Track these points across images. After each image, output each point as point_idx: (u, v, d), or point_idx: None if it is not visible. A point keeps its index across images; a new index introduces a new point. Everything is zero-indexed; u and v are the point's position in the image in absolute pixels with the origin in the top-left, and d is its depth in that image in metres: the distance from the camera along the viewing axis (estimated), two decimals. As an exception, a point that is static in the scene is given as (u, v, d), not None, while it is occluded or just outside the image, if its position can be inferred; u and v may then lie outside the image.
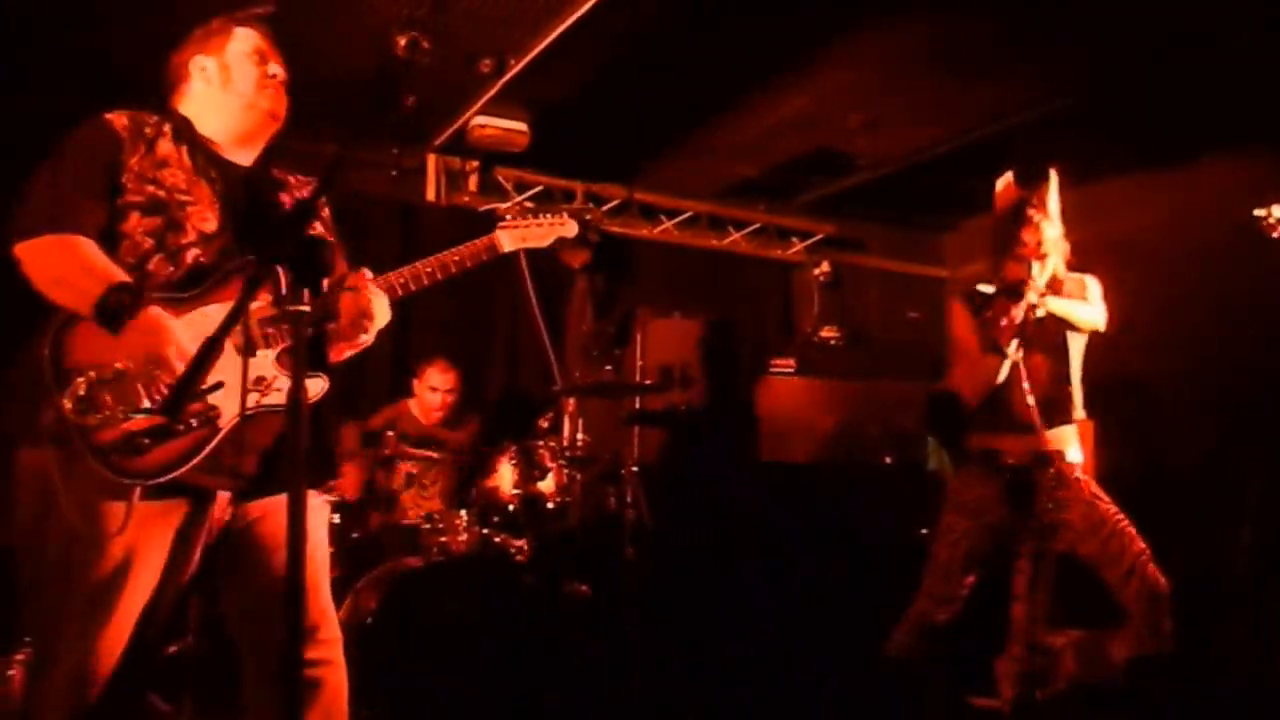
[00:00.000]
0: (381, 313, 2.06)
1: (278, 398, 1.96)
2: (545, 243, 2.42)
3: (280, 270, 1.97)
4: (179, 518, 1.94)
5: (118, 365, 1.83)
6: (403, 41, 1.67)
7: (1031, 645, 3.19)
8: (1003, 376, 3.00)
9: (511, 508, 3.76)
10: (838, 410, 4.84)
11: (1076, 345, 3.18)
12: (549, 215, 2.42)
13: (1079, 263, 3.18)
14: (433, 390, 4.50)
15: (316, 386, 2.02)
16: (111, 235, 1.92)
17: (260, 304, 1.97)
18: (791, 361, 4.85)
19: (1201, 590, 3.61)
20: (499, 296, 5.23)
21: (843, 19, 3.76)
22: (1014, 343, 2.96)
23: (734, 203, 5.99)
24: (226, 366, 1.84)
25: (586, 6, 3.58)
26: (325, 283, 2.15)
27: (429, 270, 2.15)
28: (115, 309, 1.81)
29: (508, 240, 2.33)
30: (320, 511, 2.18)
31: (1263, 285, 3.39)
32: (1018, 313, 2.92)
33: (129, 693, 1.94)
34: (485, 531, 3.67)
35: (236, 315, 1.62)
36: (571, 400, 4.16)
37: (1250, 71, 3.99)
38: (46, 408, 1.81)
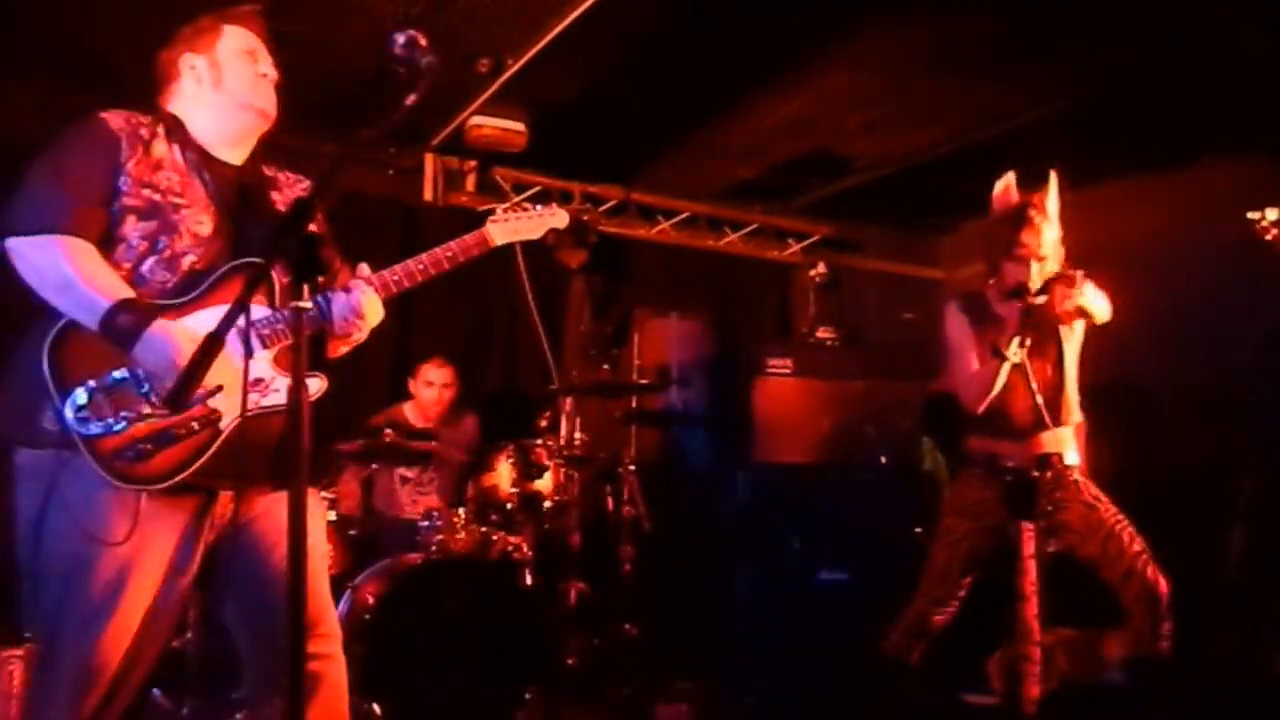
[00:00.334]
0: (374, 311, 2.07)
1: (277, 398, 1.98)
2: (537, 234, 2.38)
3: (274, 271, 1.99)
4: (183, 518, 1.95)
5: (117, 373, 1.84)
6: (400, 40, 1.67)
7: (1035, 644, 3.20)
8: (1002, 381, 3.01)
9: (509, 506, 3.77)
10: (834, 411, 4.85)
11: (1072, 349, 3.19)
12: (539, 206, 2.39)
13: (1076, 266, 3.19)
14: (429, 385, 4.50)
15: (315, 385, 2.03)
16: (108, 239, 1.93)
17: (256, 305, 1.97)
18: (788, 362, 4.86)
19: (1197, 591, 3.63)
20: (497, 297, 5.24)
21: (842, 20, 3.76)
22: (1015, 345, 2.97)
23: (731, 204, 6.00)
24: (225, 369, 1.84)
25: (584, 6, 3.58)
26: (320, 280, 2.17)
27: (421, 267, 2.14)
28: (125, 332, 1.81)
29: (498, 234, 2.31)
30: (318, 508, 2.19)
31: (1257, 288, 3.41)
32: (1020, 314, 2.93)
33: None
34: (484, 529, 3.69)
35: (238, 312, 1.63)
36: (569, 399, 4.17)
37: (1247, 76, 4.00)
38: (46, 412, 1.82)
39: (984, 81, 4.27)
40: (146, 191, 1.95)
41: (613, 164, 5.44)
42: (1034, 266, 3.01)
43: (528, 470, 3.80)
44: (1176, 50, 3.91)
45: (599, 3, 3.55)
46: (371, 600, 3.26)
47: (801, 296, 6.07)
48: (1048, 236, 3.05)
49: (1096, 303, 3.10)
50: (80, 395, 1.81)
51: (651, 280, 5.83)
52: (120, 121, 1.99)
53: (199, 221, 1.99)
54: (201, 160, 2.05)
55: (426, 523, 3.67)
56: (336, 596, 2.93)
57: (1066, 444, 3.15)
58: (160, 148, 2.00)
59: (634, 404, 5.01)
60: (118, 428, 1.82)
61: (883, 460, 4.70)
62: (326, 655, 2.05)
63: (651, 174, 5.56)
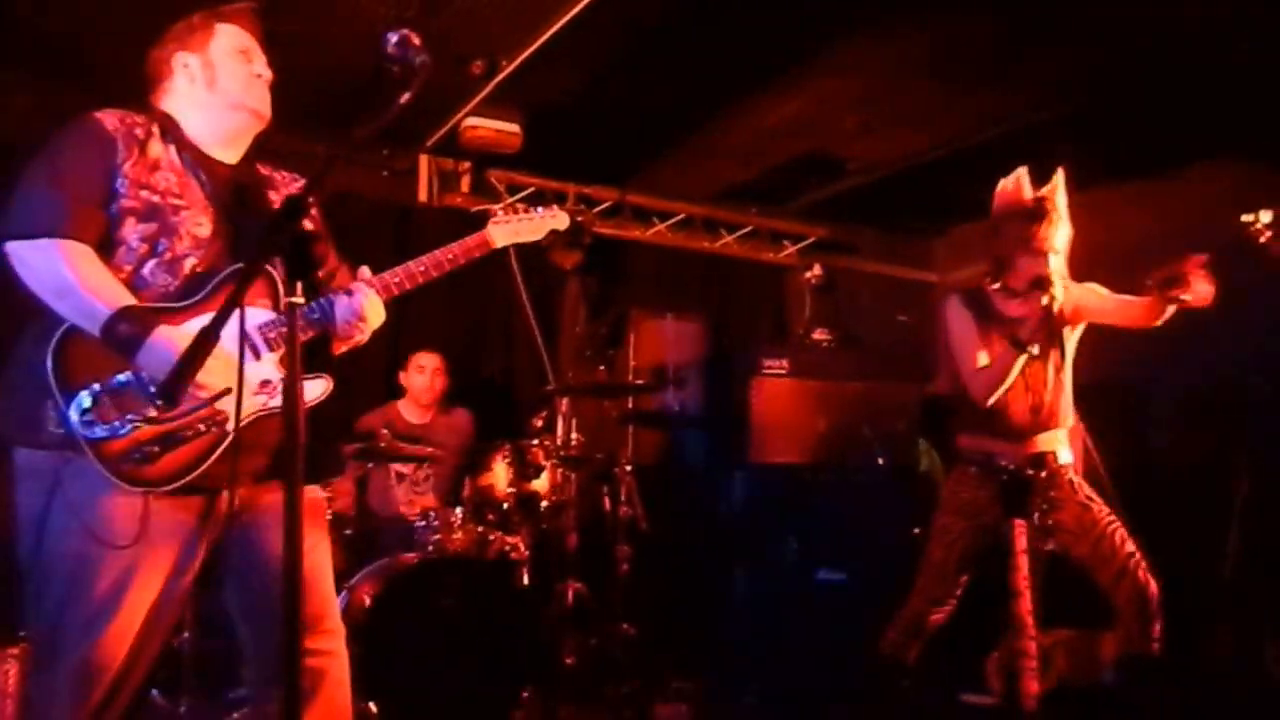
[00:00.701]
0: (376, 313, 2.07)
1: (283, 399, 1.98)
2: (537, 236, 2.39)
3: (278, 275, 1.99)
4: (188, 518, 1.94)
5: (121, 376, 1.84)
6: (393, 39, 1.66)
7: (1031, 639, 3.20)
8: (1016, 372, 3.00)
9: (506, 506, 3.77)
10: (830, 412, 4.85)
11: (1070, 350, 3.19)
12: (539, 208, 2.39)
13: (1071, 269, 3.19)
14: (420, 370, 4.49)
15: (320, 387, 2.04)
16: (107, 242, 1.91)
17: (261, 309, 1.97)
18: (784, 363, 4.87)
19: (1194, 591, 3.63)
20: (493, 297, 5.24)
21: (837, 24, 3.77)
22: (1033, 338, 2.96)
23: (727, 206, 6.01)
24: (233, 372, 1.82)
25: (578, 8, 3.58)
26: (318, 277, 2.17)
27: (422, 269, 2.14)
28: (127, 339, 1.81)
29: (499, 235, 2.32)
30: (320, 505, 2.18)
31: (1252, 290, 3.41)
32: (1043, 307, 2.91)
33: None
34: (480, 529, 3.68)
35: (231, 307, 1.63)
36: (565, 400, 4.17)
37: (1239, 81, 4.02)
38: (49, 413, 1.81)
39: (979, 86, 4.28)
40: (144, 193, 1.94)
41: (608, 166, 5.44)
42: (1052, 260, 3.01)
43: (524, 470, 3.79)
44: (1170, 56, 3.93)
45: (593, 4, 3.55)
46: (368, 600, 3.25)
47: (797, 298, 6.08)
48: (1062, 231, 3.05)
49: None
50: (85, 398, 1.80)
51: (647, 281, 5.83)
52: (115, 121, 1.97)
53: (198, 223, 1.98)
54: (197, 160, 2.04)
55: (423, 522, 3.67)
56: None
57: (1060, 444, 3.15)
58: (156, 148, 1.99)
59: (630, 405, 5.01)
60: (123, 430, 1.81)
61: (879, 461, 4.70)
62: (329, 652, 2.06)
63: (647, 176, 5.56)
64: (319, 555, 2.11)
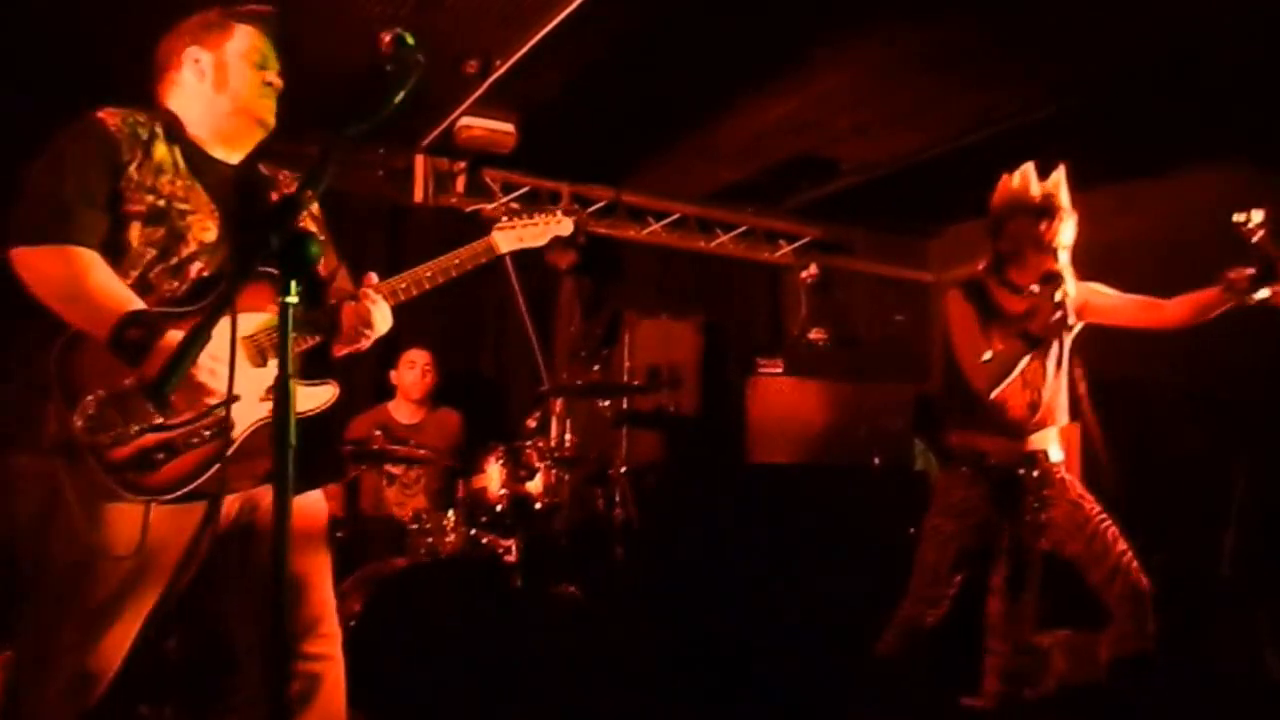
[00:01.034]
0: (383, 320, 2.06)
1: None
2: (542, 242, 2.42)
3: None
4: (189, 524, 1.91)
5: (127, 382, 1.80)
6: (387, 38, 1.64)
7: (1018, 644, 3.19)
8: (1021, 367, 2.98)
9: (499, 508, 3.74)
10: (826, 412, 4.84)
11: (1067, 348, 3.18)
12: (543, 214, 2.42)
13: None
14: (410, 365, 4.48)
15: (326, 394, 2.04)
16: (113, 246, 1.88)
17: (269, 315, 1.95)
18: (780, 363, 4.85)
19: (1193, 591, 3.62)
20: (487, 297, 5.22)
21: (831, 23, 3.76)
22: (1044, 333, 2.93)
23: (722, 205, 5.99)
24: (242, 378, 1.80)
25: (572, 6, 3.56)
26: (319, 276, 2.15)
27: (429, 275, 2.14)
28: (134, 345, 1.78)
29: (504, 241, 2.34)
30: (321, 508, 2.16)
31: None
32: (1055, 301, 2.89)
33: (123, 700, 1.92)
34: (473, 532, 3.65)
35: (222, 305, 1.60)
36: (559, 401, 4.15)
37: (1231, 82, 4.03)
38: (52, 419, 1.78)
39: (973, 85, 4.27)
40: (150, 197, 1.91)
41: (603, 165, 5.43)
42: (1063, 255, 3.00)
43: (517, 472, 3.77)
44: (1162, 56, 3.93)
45: (587, 3, 3.53)
46: (358, 606, 3.22)
47: (793, 298, 6.08)
48: (1069, 227, 3.04)
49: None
50: (90, 405, 1.77)
51: (642, 281, 5.82)
52: (117, 121, 1.94)
53: (205, 228, 1.96)
54: (202, 162, 2.02)
55: (415, 525, 3.64)
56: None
57: (1051, 442, 3.14)
58: (160, 149, 1.96)
59: (625, 405, 4.98)
60: (128, 438, 1.78)
61: (875, 461, 4.69)
62: (327, 655, 2.04)
63: (641, 175, 5.55)
64: (318, 559, 2.10)
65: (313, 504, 2.12)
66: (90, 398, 1.77)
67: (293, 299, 1.55)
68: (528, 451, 3.82)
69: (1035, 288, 2.97)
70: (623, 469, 4.23)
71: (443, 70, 4.04)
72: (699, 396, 5.53)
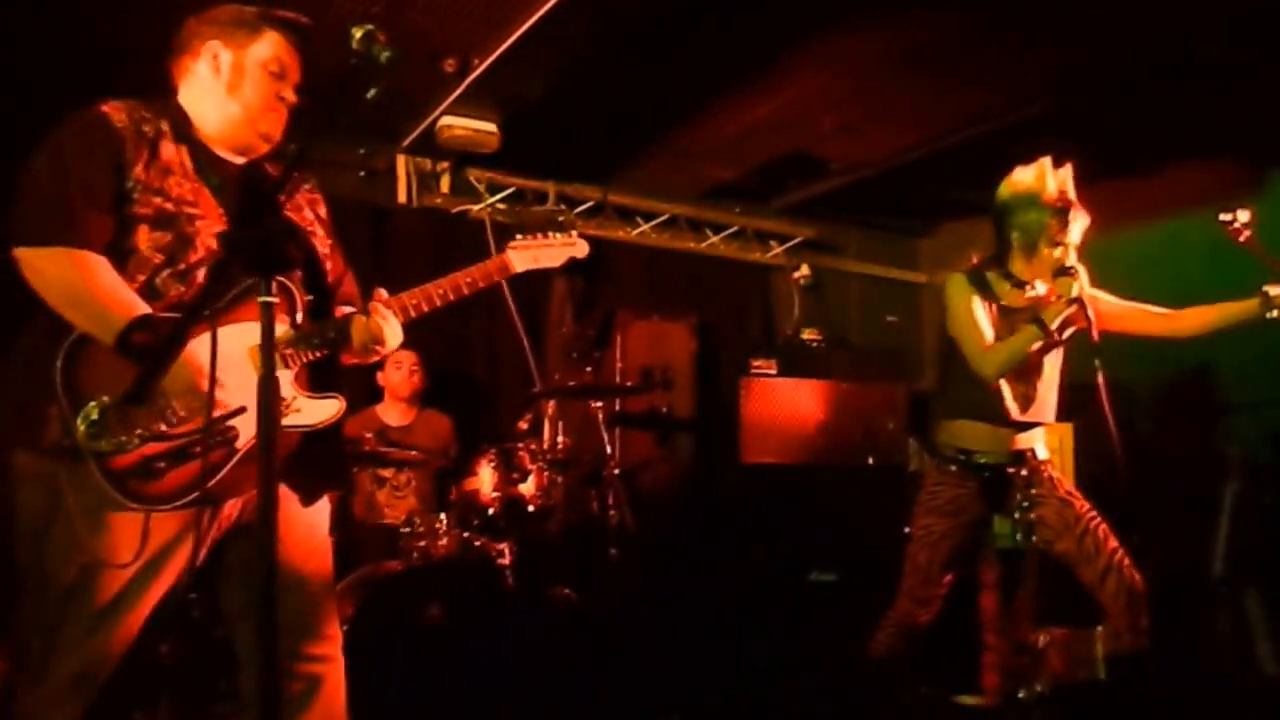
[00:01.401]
0: (393, 336, 2.07)
1: (298, 418, 1.96)
2: (557, 262, 2.44)
3: (295, 290, 1.98)
4: (190, 531, 1.89)
5: (132, 388, 1.79)
6: (358, 34, 1.62)
7: (1014, 642, 3.19)
8: (1031, 347, 2.95)
9: (492, 511, 3.72)
10: (820, 412, 4.83)
11: (1061, 349, 3.17)
12: (559, 235, 2.44)
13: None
14: (397, 366, 4.45)
15: (332, 408, 2.02)
16: (119, 249, 1.86)
17: (279, 323, 1.92)
18: (773, 363, 4.85)
19: (1186, 590, 3.61)
20: (477, 299, 5.16)
21: (819, 22, 3.75)
22: (1055, 321, 2.92)
23: (712, 206, 5.98)
24: (248, 389, 1.77)
25: (551, 3, 3.51)
26: (328, 284, 2.15)
27: (441, 292, 2.15)
28: (142, 350, 1.76)
29: (519, 261, 2.35)
30: (323, 509, 2.15)
31: (1236, 288, 3.41)
32: (1071, 293, 2.88)
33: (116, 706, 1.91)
34: (466, 535, 3.63)
35: (206, 301, 1.59)
36: (551, 402, 4.13)
37: (1222, 80, 4.03)
38: (52, 418, 1.76)
39: (964, 84, 4.27)
40: (158, 199, 1.88)
41: (589, 164, 5.39)
42: (1072, 253, 3.00)
43: (510, 474, 3.75)
44: (1150, 54, 3.93)
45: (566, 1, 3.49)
46: (350, 610, 3.20)
47: (785, 298, 6.07)
48: (1081, 223, 3.04)
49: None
50: (93, 411, 1.75)
51: (633, 282, 5.80)
52: (123, 116, 1.90)
53: (213, 232, 1.92)
54: (209, 163, 1.99)
55: (408, 529, 3.62)
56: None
57: (1039, 441, 3.13)
58: (168, 149, 1.92)
59: (617, 406, 4.96)
60: (131, 445, 1.77)
61: (869, 461, 4.68)
62: (328, 657, 2.04)
63: (629, 175, 5.53)
64: (320, 562, 2.09)
65: (316, 507, 2.12)
66: (94, 403, 1.76)
67: (273, 299, 1.54)
68: (520, 454, 3.80)
69: (1040, 284, 2.98)
70: (616, 470, 4.21)
71: (420, 69, 3.98)
72: (692, 397, 5.51)
